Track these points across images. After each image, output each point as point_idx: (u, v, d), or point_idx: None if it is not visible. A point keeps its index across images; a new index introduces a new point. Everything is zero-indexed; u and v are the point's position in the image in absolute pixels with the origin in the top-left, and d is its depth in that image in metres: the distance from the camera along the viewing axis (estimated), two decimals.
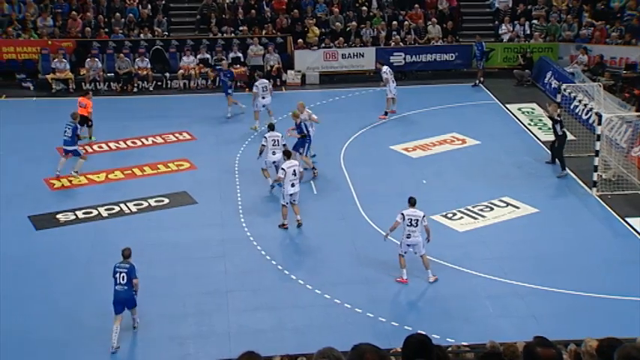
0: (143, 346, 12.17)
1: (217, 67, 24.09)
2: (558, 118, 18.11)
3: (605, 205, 16.80)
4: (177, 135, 21.11)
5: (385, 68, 22.22)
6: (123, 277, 11.97)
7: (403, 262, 13.63)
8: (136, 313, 12.34)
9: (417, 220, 13.40)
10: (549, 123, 19.25)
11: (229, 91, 22.48)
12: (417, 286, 13.71)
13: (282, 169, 15.49)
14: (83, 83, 24.53)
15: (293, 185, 15.45)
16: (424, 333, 4.12)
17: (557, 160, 18.43)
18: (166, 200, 17.18)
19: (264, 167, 17.35)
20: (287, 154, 16.02)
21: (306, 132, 18.10)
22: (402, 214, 13.44)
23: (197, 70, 25.24)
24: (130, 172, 18.77)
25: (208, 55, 25.62)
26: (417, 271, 14.07)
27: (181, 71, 25.26)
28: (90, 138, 20.50)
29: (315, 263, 14.66)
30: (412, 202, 13.63)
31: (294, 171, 15.46)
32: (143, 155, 19.80)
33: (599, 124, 17.24)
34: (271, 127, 17.74)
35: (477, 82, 24.98)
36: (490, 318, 12.68)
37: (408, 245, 13.52)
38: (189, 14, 27.73)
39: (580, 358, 6.60)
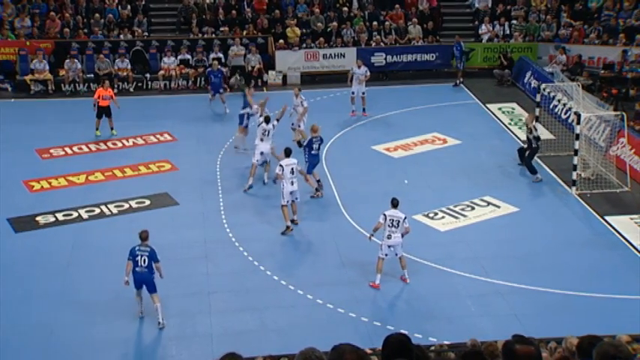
0: (125, 347, 12.09)
1: (208, 69, 23.88)
2: (534, 130, 18.20)
3: (584, 203, 16.95)
4: (158, 136, 21.01)
5: (364, 69, 22.20)
6: (144, 260, 12.29)
7: (381, 266, 13.55)
8: (158, 300, 12.40)
9: (399, 221, 13.43)
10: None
11: (220, 90, 22.61)
12: (398, 287, 13.74)
13: (280, 165, 15.36)
14: (62, 84, 24.34)
15: (292, 183, 15.35)
16: (404, 332, 4.11)
17: (525, 166, 18.37)
18: (147, 202, 17.09)
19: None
20: (286, 152, 15.71)
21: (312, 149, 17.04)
22: (384, 214, 13.47)
23: (178, 71, 25.14)
24: (110, 173, 18.65)
25: (189, 56, 25.52)
26: (399, 272, 14.12)
27: (162, 72, 25.14)
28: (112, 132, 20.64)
29: (298, 264, 14.66)
30: (394, 204, 13.65)
31: (292, 169, 15.32)
32: (124, 156, 19.68)
33: (578, 123, 17.40)
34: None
35: (457, 82, 25.11)
36: (472, 317, 12.75)
37: (389, 246, 13.52)
38: (170, 15, 27.61)
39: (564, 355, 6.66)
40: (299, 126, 19.46)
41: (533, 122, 18.55)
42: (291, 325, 12.54)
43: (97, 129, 20.70)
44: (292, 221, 15.59)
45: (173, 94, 24.71)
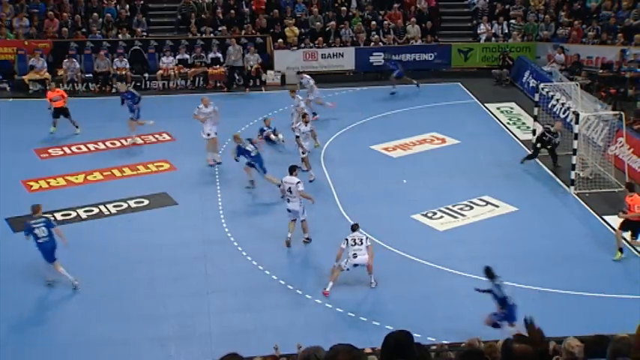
0: (124, 347, 12.08)
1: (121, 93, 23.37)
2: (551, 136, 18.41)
3: (583, 203, 16.97)
4: (156, 136, 21.00)
5: (307, 78, 22.01)
6: (43, 230, 13.02)
7: (336, 275, 13.35)
8: (59, 266, 13.15)
9: (362, 239, 13.40)
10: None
11: (131, 115, 20.58)
12: (397, 286, 13.75)
13: (282, 180, 15.12)
14: (61, 84, 24.32)
15: (289, 201, 14.89)
16: (405, 330, 4.09)
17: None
18: (146, 201, 17.08)
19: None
20: (290, 170, 15.09)
21: (255, 150, 17.16)
22: (346, 239, 13.40)
23: (176, 71, 25.13)
24: (109, 173, 18.65)
25: (188, 56, 25.52)
26: (398, 272, 14.14)
27: (160, 72, 25.14)
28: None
29: (297, 264, 14.67)
30: (354, 229, 13.62)
31: (290, 188, 14.80)
32: (122, 156, 19.68)
33: (577, 122, 17.42)
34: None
35: (393, 87, 24.46)
36: (471, 317, 12.73)
37: (355, 265, 13.38)
38: (168, 14, 27.59)
39: (558, 354, 6.67)
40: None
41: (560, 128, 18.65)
42: (289, 325, 12.54)
43: (53, 126, 20.79)
44: (305, 239, 15.11)
45: (172, 93, 24.70)
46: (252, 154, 17.11)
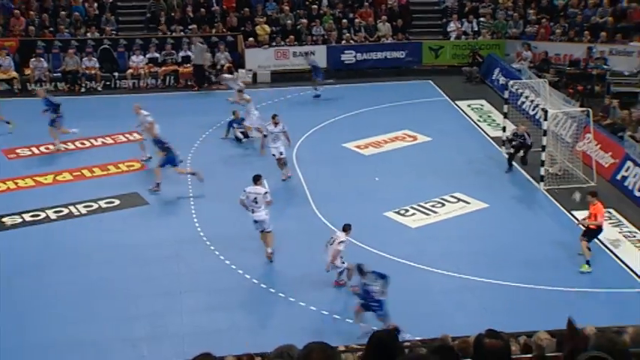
0: (95, 348, 11.96)
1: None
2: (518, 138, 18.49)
3: (552, 199, 17.18)
4: (127, 135, 20.80)
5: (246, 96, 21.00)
6: None
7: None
8: None
9: (334, 240, 13.38)
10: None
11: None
12: None
13: (244, 191, 14.35)
14: (28, 83, 23.98)
15: (253, 212, 14.20)
16: (390, 329, 4.11)
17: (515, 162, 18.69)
18: (117, 201, 16.93)
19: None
20: (255, 179, 14.49)
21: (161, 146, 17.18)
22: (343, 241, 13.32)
23: (147, 70, 24.93)
24: (79, 173, 18.44)
25: (158, 54, 25.32)
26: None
27: (130, 70, 24.91)
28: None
29: (270, 263, 14.61)
30: (344, 229, 13.49)
31: (256, 198, 14.18)
32: (92, 156, 19.46)
33: (546, 119, 17.64)
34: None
35: (316, 89, 23.98)
36: (443, 313, 12.84)
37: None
38: (138, 13, 27.35)
39: (530, 349, 6.76)
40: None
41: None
42: (263, 324, 12.54)
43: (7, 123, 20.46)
44: (268, 254, 14.41)
45: (142, 92, 24.47)
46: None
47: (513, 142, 18.56)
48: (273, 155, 17.67)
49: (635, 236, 15.50)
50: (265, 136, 17.92)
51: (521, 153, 18.66)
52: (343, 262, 13.37)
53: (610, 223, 15.87)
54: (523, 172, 18.58)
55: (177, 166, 17.40)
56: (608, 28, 24.86)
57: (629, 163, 17.47)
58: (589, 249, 14.19)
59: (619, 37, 24.36)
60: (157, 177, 17.37)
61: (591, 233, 14.34)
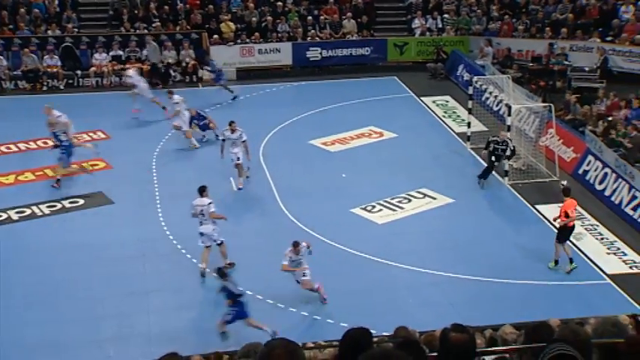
0: (61, 350, 11.81)
1: None
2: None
3: (516, 193, 17.41)
4: (91, 134, 20.53)
5: (177, 97, 20.21)
6: None
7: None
8: None
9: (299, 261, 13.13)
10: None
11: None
12: (337, 280, 13.83)
13: (192, 204, 13.96)
14: None
15: (201, 224, 13.86)
16: (364, 327, 4.12)
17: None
18: (81, 201, 16.73)
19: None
20: (200, 191, 14.08)
21: (58, 142, 17.12)
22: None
23: (110, 68, 24.62)
24: (41, 173, 18.17)
25: (121, 52, 25.02)
26: (338, 266, 14.24)
27: (93, 69, 24.60)
28: None
29: (237, 260, 14.55)
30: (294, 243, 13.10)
31: (202, 210, 13.84)
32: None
33: (509, 115, 17.86)
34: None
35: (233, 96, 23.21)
36: (410, 308, 12.94)
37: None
38: (100, 10, 27.00)
39: (495, 342, 6.85)
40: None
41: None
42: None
43: None
44: (227, 264, 13.83)
45: (106, 91, 24.18)
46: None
47: (495, 152, 17.49)
48: (232, 160, 17.13)
49: (596, 229, 15.79)
50: (224, 140, 17.35)
51: (505, 163, 17.65)
52: (304, 275, 12.95)
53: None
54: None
55: (70, 160, 17.46)
56: (569, 24, 25.26)
57: (590, 158, 17.79)
58: (561, 249, 14.09)
59: (579, 33, 24.76)
60: (56, 174, 17.27)
61: (562, 235, 14.12)
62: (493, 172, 18.09)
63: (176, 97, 20.11)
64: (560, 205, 14.43)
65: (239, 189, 17.20)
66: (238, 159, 17.15)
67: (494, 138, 17.77)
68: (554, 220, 14.65)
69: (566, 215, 14.00)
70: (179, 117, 19.80)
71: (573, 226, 14.29)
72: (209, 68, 23.72)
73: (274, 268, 14.16)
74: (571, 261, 14.12)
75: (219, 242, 14.02)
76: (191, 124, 20.02)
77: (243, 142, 17.11)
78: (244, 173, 17.43)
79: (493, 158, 17.58)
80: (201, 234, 13.89)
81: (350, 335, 3.97)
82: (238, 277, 13.81)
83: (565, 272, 14.06)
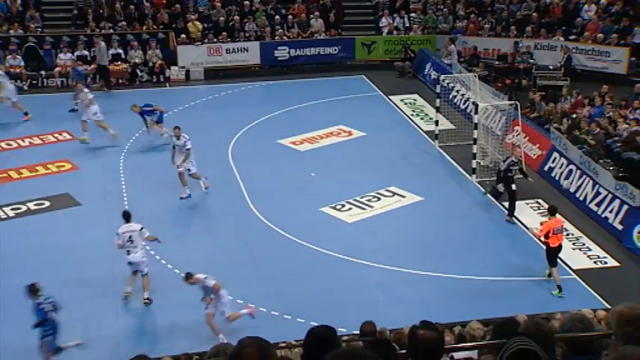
0: (28, 354, 11.62)
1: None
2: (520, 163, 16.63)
3: (483, 190, 17.57)
4: (56, 135, 20.27)
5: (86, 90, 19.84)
6: None
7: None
8: None
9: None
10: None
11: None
12: (308, 279, 13.86)
13: (117, 233, 13.16)
14: None
15: (129, 253, 13.08)
16: (328, 325, 4.11)
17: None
18: (47, 203, 16.49)
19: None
20: (126, 217, 13.41)
21: None
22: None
23: (91, 68, 24.21)
24: (5, 175, 17.87)
25: (87, 52, 24.70)
26: (308, 265, 14.25)
27: (58, 69, 24.25)
28: None
29: (206, 260, 14.48)
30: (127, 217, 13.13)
31: (131, 237, 13.10)
32: (20, 157, 18.88)
33: (476, 112, 18.03)
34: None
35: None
36: (381, 306, 13.00)
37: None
38: (64, 9, 26.63)
39: (463, 338, 6.92)
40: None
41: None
42: (200, 323, 12.39)
43: None
44: (145, 300, 13.12)
45: (71, 91, 23.82)
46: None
47: (509, 173, 16.00)
48: (188, 170, 16.67)
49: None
50: (174, 147, 16.86)
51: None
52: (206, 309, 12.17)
53: (539, 213, 16.36)
54: (456, 164, 18.94)
55: None
56: (533, 23, 25.59)
57: (555, 155, 18.04)
58: (550, 274, 13.59)
59: (543, 32, 25.11)
60: None
61: (548, 255, 13.51)
62: (462, 171, 18.28)
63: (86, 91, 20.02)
64: (545, 220, 13.91)
65: (181, 197, 16.59)
66: (189, 170, 16.64)
67: (511, 159, 16.33)
68: (536, 237, 14.17)
69: (546, 235, 13.31)
70: (85, 112, 19.56)
71: (559, 247, 13.52)
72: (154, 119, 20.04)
73: (244, 267, 14.15)
74: (549, 275, 13.56)
75: (144, 272, 13.21)
76: (147, 120, 19.66)
77: (188, 149, 16.52)
78: (199, 177, 16.94)
79: (513, 187, 15.92)
80: (130, 263, 13.17)
81: (314, 333, 3.95)
82: None
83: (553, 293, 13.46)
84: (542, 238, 13.61)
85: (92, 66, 24.11)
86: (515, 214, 16.19)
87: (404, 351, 4.15)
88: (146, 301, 13.09)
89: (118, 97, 22.52)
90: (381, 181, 17.71)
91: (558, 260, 13.76)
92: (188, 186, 16.71)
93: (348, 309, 12.80)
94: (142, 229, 13.22)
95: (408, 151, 19.74)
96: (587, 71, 23.95)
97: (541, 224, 14.07)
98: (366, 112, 22.56)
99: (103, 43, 23.91)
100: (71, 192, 16.96)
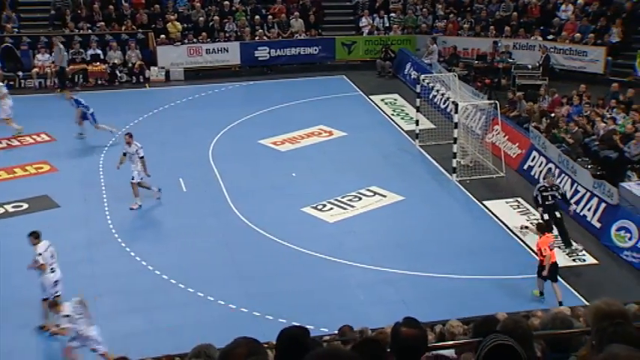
0: (7, 358, 11.51)
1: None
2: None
3: (464, 189, 17.68)
4: (34, 137, 20.08)
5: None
6: None
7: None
8: None
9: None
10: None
11: None
12: (289, 279, 13.84)
13: (40, 254, 12.12)
14: None
15: (53, 271, 12.28)
16: (300, 325, 4.10)
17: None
18: (26, 205, 16.33)
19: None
20: (34, 236, 12.42)
21: None
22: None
23: (53, 69, 24.08)
24: None
25: (65, 53, 24.49)
26: (289, 265, 14.24)
27: (36, 70, 24.02)
28: None
29: (187, 261, 14.44)
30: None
31: (53, 254, 12.39)
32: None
33: (456, 112, 18.13)
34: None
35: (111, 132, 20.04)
36: (362, 306, 13.01)
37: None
38: (41, 10, 26.38)
39: (444, 337, 6.96)
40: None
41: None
42: (182, 324, 12.35)
43: None
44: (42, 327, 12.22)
45: (49, 92, 23.64)
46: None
47: (547, 202, 14.92)
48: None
49: None
50: (125, 154, 16.46)
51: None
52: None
53: (518, 212, 16.49)
54: (436, 164, 19.02)
55: None
56: (512, 23, 25.78)
57: (534, 153, 18.18)
58: (542, 293, 13.32)
59: (522, 31, 25.31)
60: None
61: (549, 271, 13.08)
62: (442, 170, 18.37)
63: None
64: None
65: (131, 209, 16.09)
66: (132, 178, 16.12)
67: (542, 184, 15.35)
68: (544, 264, 13.09)
69: (542, 253, 13.07)
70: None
71: (556, 263, 13.20)
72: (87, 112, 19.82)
73: (224, 268, 14.11)
74: (541, 293, 13.29)
75: (53, 297, 12.00)
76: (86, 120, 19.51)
77: (141, 158, 16.12)
78: (152, 191, 16.45)
79: (557, 214, 14.95)
80: (57, 282, 12.29)
81: (286, 334, 3.90)
82: (190, 278, 13.72)
83: (533, 293, 13.42)
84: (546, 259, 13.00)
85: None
86: (495, 212, 16.29)
87: (388, 349, 4.15)
88: (51, 328, 11.70)
89: (98, 98, 22.31)
90: (362, 180, 17.74)
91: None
92: (140, 197, 16.26)
93: (330, 309, 12.82)
94: (49, 246, 12.33)
95: (388, 151, 19.79)
96: (565, 70, 24.18)
97: (538, 246, 13.38)
98: (347, 112, 22.60)
99: (61, 45, 23.64)
100: (50, 194, 16.81)
